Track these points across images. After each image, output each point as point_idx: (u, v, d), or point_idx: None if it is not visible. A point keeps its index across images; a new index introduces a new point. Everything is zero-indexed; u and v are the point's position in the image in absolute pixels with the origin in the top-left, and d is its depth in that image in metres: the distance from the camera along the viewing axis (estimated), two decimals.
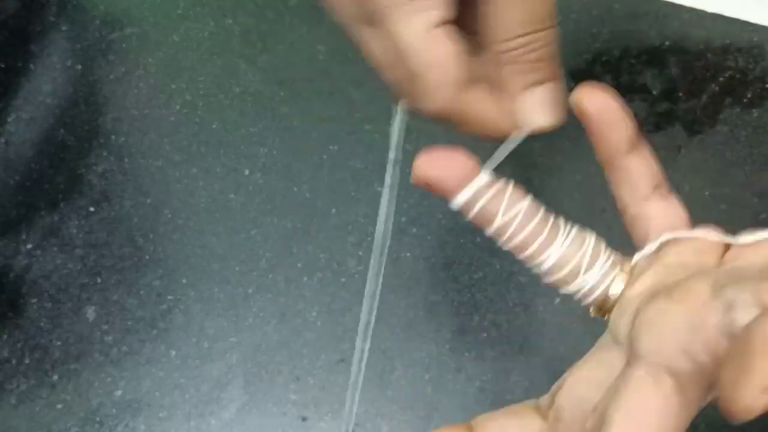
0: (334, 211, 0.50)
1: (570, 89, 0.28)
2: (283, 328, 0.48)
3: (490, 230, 0.28)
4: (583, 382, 0.25)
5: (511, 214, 0.27)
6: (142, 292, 0.49)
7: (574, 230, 0.28)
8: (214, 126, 0.53)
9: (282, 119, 0.53)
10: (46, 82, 0.55)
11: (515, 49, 0.26)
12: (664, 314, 0.21)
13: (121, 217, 0.51)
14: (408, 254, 0.49)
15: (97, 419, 0.45)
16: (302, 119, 0.53)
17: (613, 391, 0.20)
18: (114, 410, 0.46)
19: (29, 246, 0.50)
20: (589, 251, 0.27)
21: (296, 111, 0.53)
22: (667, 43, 0.53)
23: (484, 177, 0.27)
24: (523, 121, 0.28)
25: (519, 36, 0.27)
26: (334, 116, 0.52)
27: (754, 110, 0.52)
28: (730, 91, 0.52)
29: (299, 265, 0.49)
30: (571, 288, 0.27)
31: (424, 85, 0.26)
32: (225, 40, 0.56)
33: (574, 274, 0.27)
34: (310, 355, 0.47)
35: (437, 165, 0.26)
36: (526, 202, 0.27)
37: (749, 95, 0.52)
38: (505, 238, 0.28)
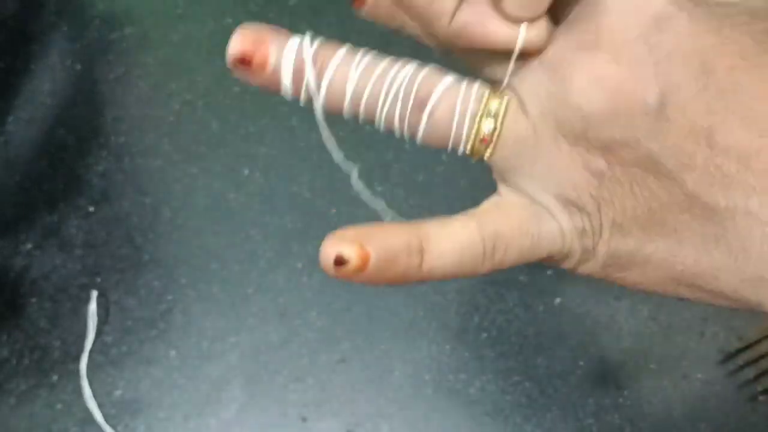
0: (334, 211, 0.50)
1: None
2: (283, 328, 0.48)
3: (346, 104, 0.24)
4: None
5: (354, 77, 0.23)
6: (141, 292, 0.49)
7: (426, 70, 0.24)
8: (214, 126, 0.53)
9: (282, 119, 0.53)
10: (46, 82, 0.55)
11: None
12: None
13: (120, 217, 0.51)
14: None
15: (97, 419, 0.45)
16: (302, 119, 0.53)
17: None
18: (114, 410, 0.46)
19: (29, 246, 0.50)
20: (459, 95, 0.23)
21: (296, 111, 0.53)
22: None
23: (296, 40, 0.23)
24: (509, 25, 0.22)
25: None
26: (334, 116, 0.52)
27: None
28: None
29: (299, 265, 0.49)
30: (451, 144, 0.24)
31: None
32: (225, 40, 0.55)
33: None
34: (310, 355, 0.47)
35: (249, 39, 0.24)
36: (366, 57, 0.23)
37: None
38: (363, 110, 0.24)
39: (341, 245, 0.23)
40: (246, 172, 0.52)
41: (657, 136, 0.21)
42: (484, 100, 0.23)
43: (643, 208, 0.22)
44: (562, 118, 0.22)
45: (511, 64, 0.22)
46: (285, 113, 0.53)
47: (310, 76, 0.23)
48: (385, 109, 0.24)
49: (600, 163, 0.22)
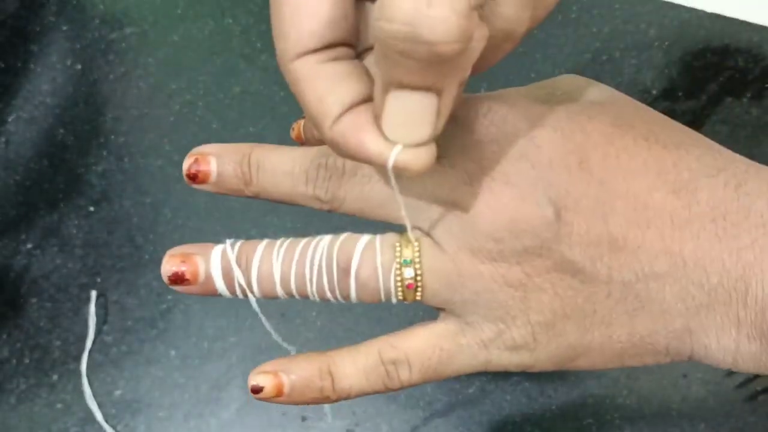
0: None
1: None
2: (283, 328, 0.48)
3: (278, 290, 0.27)
4: None
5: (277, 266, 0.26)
6: (142, 292, 0.49)
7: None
8: (214, 126, 0.53)
9: (282, 119, 0.53)
10: (46, 82, 0.55)
11: (394, 32, 0.17)
12: None
13: (120, 216, 0.51)
14: None
15: (97, 419, 0.45)
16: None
17: None
18: (114, 410, 0.46)
19: (29, 246, 0.50)
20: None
21: (296, 111, 0.53)
22: (667, 43, 0.53)
23: (219, 248, 0.27)
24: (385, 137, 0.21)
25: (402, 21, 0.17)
26: None
27: (753, 110, 0.52)
28: (730, 91, 0.52)
29: None
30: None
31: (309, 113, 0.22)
32: (225, 39, 0.56)
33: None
34: None
35: (176, 261, 0.27)
36: (283, 245, 0.27)
37: (749, 95, 0.52)
38: (294, 290, 0.27)
39: (257, 377, 0.27)
40: None
41: (563, 240, 0.23)
42: (397, 251, 0.25)
43: (571, 306, 0.24)
44: (477, 246, 0.24)
45: (393, 184, 0.23)
46: (285, 113, 0.53)
47: (238, 276, 0.27)
48: (314, 285, 0.26)
49: (520, 276, 0.24)
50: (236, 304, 0.48)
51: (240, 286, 0.27)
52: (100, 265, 0.49)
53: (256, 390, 0.27)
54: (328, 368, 0.27)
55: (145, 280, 0.49)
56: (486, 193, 0.24)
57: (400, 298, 0.26)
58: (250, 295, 0.27)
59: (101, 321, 0.48)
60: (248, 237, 0.51)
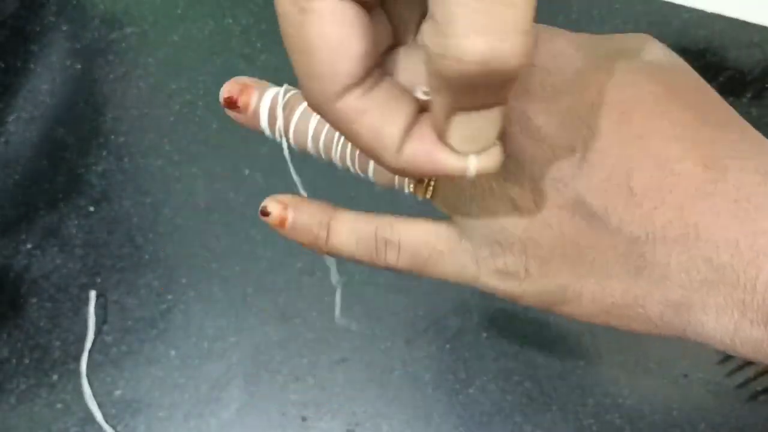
0: None
1: None
2: (283, 328, 0.48)
3: (308, 144, 0.29)
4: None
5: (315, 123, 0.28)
6: (142, 292, 0.49)
7: None
8: (214, 126, 0.53)
9: None
10: (46, 82, 0.55)
11: (465, 71, 0.17)
12: None
13: (120, 216, 0.51)
14: None
15: (97, 419, 0.45)
16: None
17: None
18: (114, 410, 0.46)
19: (29, 246, 0.50)
20: None
21: None
22: (667, 43, 0.53)
23: (273, 90, 0.28)
24: (449, 159, 0.21)
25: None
26: None
27: (753, 110, 0.52)
28: (730, 91, 0.52)
29: (299, 265, 0.49)
30: (397, 186, 0.28)
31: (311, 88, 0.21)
32: (225, 39, 0.56)
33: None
34: (310, 355, 0.47)
35: (234, 88, 0.29)
36: None
37: (749, 95, 0.52)
38: (321, 149, 0.29)
39: (272, 203, 0.30)
40: (246, 172, 0.52)
41: (583, 179, 0.23)
42: None
43: (572, 248, 0.24)
44: None
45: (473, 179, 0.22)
46: None
47: (279, 119, 0.29)
48: (339, 150, 0.28)
49: (529, 204, 0.24)
50: (236, 304, 0.48)
51: (279, 129, 0.29)
52: (100, 265, 0.49)
53: (265, 213, 0.30)
54: (329, 222, 0.29)
55: (145, 280, 0.49)
56: (522, 113, 0.23)
57: (411, 191, 0.27)
58: (283, 140, 0.29)
59: (101, 321, 0.48)
60: (248, 237, 0.51)
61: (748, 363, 0.46)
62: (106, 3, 0.57)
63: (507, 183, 0.24)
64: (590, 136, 0.23)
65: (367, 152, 0.22)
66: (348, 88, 0.21)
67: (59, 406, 0.46)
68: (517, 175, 0.24)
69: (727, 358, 0.46)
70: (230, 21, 0.56)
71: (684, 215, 0.22)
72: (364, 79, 0.21)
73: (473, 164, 0.21)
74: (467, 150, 0.21)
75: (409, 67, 0.23)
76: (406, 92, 0.22)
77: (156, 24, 0.56)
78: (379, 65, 0.22)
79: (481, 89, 0.18)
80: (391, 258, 0.28)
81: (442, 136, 0.21)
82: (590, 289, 0.24)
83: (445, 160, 0.21)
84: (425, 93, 0.22)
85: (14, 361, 0.47)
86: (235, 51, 0.55)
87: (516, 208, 0.24)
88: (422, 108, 0.22)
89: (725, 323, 0.23)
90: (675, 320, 0.24)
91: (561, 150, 0.23)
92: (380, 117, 0.21)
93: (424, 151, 0.21)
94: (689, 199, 0.22)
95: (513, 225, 0.24)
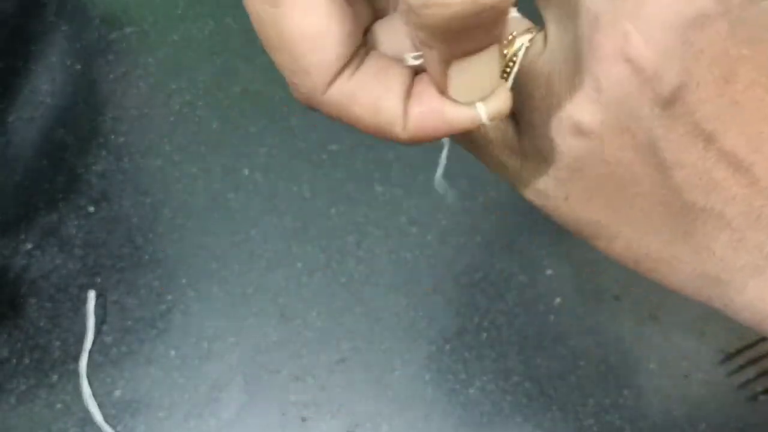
0: (333, 211, 0.50)
1: None
2: (283, 328, 0.48)
3: None
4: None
5: None
6: (141, 292, 0.49)
7: None
8: (214, 126, 0.53)
9: (282, 119, 0.53)
10: (46, 82, 0.55)
11: (455, 13, 0.17)
12: None
13: (120, 216, 0.51)
14: (408, 254, 0.49)
15: (97, 419, 0.45)
16: (302, 119, 0.53)
17: None
18: (114, 410, 0.46)
19: (28, 246, 0.50)
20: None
21: (296, 111, 0.53)
22: None
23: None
24: (452, 112, 0.20)
25: None
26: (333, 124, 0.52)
27: None
28: None
29: (299, 265, 0.49)
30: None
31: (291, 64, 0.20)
32: (225, 39, 0.56)
33: None
34: (310, 355, 0.47)
35: None
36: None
37: None
38: None
39: None
40: (246, 172, 0.52)
41: (660, 126, 0.21)
42: (515, 34, 0.23)
43: (622, 191, 0.23)
44: (575, 71, 0.22)
45: (487, 126, 0.21)
46: (285, 113, 0.53)
47: None
48: None
49: (596, 128, 0.22)
50: (236, 304, 0.48)
51: None
52: (100, 265, 0.49)
53: None
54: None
55: (145, 280, 0.49)
56: (620, 38, 0.21)
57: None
58: None
59: (100, 321, 0.48)
60: (248, 237, 0.51)
61: (749, 363, 0.46)
62: (106, 3, 0.57)
63: (581, 93, 0.22)
64: (684, 84, 0.21)
65: (375, 133, 0.21)
66: (337, 75, 0.20)
67: (59, 406, 0.46)
68: (592, 97, 0.21)
69: (727, 358, 0.46)
70: (230, 21, 0.56)
71: (752, 197, 0.21)
72: (352, 61, 0.20)
73: (483, 111, 0.20)
74: (472, 98, 0.20)
75: (393, 37, 0.22)
76: (395, 62, 0.21)
77: (156, 24, 0.56)
78: (363, 44, 0.21)
79: (471, 31, 0.17)
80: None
81: (444, 93, 0.20)
82: (627, 237, 0.23)
83: (454, 114, 0.20)
84: (415, 58, 0.21)
85: (14, 361, 0.47)
86: (235, 51, 0.55)
87: (579, 132, 0.22)
88: (416, 74, 0.21)
89: (760, 306, 0.22)
90: (704, 289, 0.23)
91: (648, 89, 0.21)
92: (375, 92, 0.20)
93: (430, 111, 0.20)
94: (765, 183, 0.21)
95: (569, 148, 0.22)
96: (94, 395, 0.46)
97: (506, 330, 0.47)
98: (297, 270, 0.49)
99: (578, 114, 0.22)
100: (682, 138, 0.21)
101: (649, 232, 0.23)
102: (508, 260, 0.49)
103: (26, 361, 0.47)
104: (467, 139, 0.25)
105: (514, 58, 0.23)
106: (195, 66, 0.55)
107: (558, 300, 0.48)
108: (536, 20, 0.23)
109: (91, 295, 0.48)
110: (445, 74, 0.19)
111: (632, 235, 0.23)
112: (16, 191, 0.52)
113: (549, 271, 0.48)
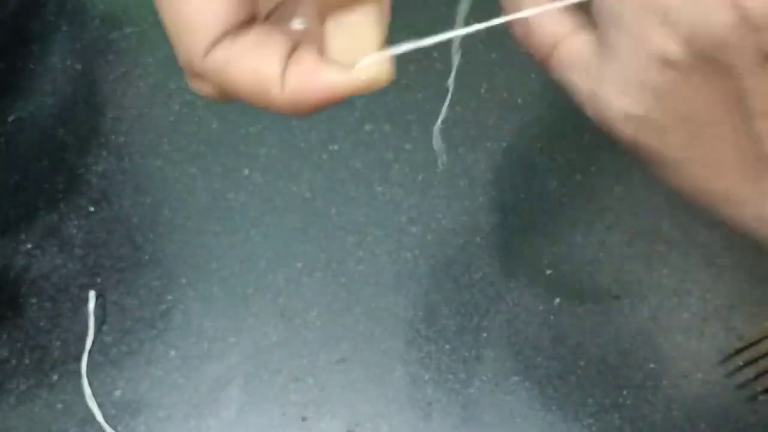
0: (333, 211, 0.50)
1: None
2: (283, 328, 0.48)
3: None
4: None
5: None
6: (141, 292, 0.49)
7: None
8: (214, 126, 0.53)
9: (282, 119, 0.53)
10: (46, 82, 0.55)
11: None
12: None
13: (120, 216, 0.51)
14: (408, 254, 0.49)
15: (97, 419, 0.45)
16: (302, 119, 0.53)
17: None
18: (114, 410, 0.46)
19: (29, 246, 0.50)
20: None
21: None
22: None
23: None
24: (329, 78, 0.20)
25: None
26: (334, 116, 0.52)
27: None
28: None
29: (299, 265, 0.49)
30: None
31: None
32: None
33: None
34: (310, 355, 0.47)
35: None
36: None
37: None
38: None
39: None
40: (246, 172, 0.52)
41: (754, 76, 0.21)
42: None
43: (698, 130, 0.22)
44: (675, 4, 0.21)
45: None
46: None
47: None
48: None
49: (686, 60, 0.21)
50: (236, 304, 0.48)
51: None
52: (100, 266, 0.49)
53: None
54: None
55: (145, 281, 0.49)
56: None
57: None
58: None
59: (100, 321, 0.48)
60: (248, 237, 0.51)
61: (748, 363, 0.46)
62: (106, 3, 0.57)
63: (674, 36, 0.21)
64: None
65: (252, 98, 0.21)
66: (219, 39, 0.21)
67: (59, 406, 0.46)
68: (688, 34, 0.21)
69: (727, 358, 0.46)
70: None
71: None
72: (239, 30, 0.21)
73: (361, 74, 0.20)
74: (350, 58, 0.20)
75: (289, 7, 0.22)
76: (278, 32, 0.21)
77: (156, 24, 0.56)
78: (255, 17, 0.22)
79: None
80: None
81: (322, 53, 0.20)
82: (695, 172, 0.23)
83: (329, 75, 0.20)
84: (301, 23, 0.21)
85: (14, 361, 0.47)
86: None
87: (669, 65, 0.21)
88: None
89: None
90: (759, 231, 0.23)
91: (758, 36, 0.20)
92: (255, 57, 0.20)
93: (307, 73, 0.20)
94: None
95: (655, 79, 0.22)
96: (94, 395, 0.46)
97: (506, 330, 0.47)
98: (297, 270, 0.49)
99: (671, 48, 0.21)
100: None
101: (719, 172, 0.23)
102: (508, 260, 0.49)
103: (26, 361, 0.47)
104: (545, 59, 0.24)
105: None
106: None
107: (558, 300, 0.48)
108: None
109: (92, 295, 0.48)
110: (323, 30, 0.19)
111: (701, 172, 0.23)
112: (16, 191, 0.52)
113: (549, 271, 0.48)
